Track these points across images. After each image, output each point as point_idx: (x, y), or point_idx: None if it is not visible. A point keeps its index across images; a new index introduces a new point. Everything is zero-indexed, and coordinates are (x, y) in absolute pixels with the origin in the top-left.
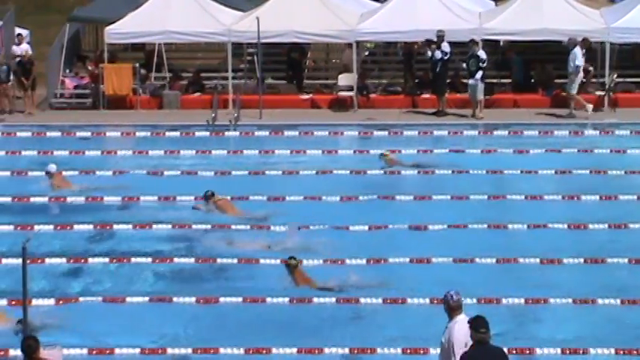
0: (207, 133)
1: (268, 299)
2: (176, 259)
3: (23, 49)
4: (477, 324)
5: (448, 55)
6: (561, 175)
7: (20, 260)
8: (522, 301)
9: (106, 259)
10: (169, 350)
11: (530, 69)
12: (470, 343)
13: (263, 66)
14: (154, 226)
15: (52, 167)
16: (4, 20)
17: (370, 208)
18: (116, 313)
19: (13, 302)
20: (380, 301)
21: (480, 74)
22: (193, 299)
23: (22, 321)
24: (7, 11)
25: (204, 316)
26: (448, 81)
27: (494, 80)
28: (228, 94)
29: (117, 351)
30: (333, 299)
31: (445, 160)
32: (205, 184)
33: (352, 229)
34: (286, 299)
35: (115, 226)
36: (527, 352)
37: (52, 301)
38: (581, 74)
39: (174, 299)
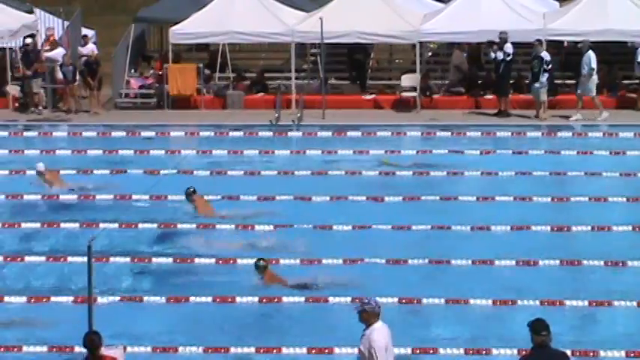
0: (270, 133)
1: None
2: (239, 261)
3: (89, 49)
4: (538, 327)
5: (510, 56)
6: (626, 177)
7: (85, 258)
8: (586, 303)
9: (170, 259)
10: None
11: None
12: (390, 347)
13: (326, 66)
14: (217, 226)
15: (41, 166)
16: (71, 21)
17: (432, 208)
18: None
19: (79, 300)
20: (442, 301)
21: (545, 76)
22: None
23: None
24: (74, 12)
25: None
26: (512, 82)
27: (559, 81)
28: (291, 94)
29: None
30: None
31: (508, 161)
32: (268, 184)
33: (414, 229)
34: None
35: (179, 225)
36: (592, 354)
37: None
38: (595, 77)
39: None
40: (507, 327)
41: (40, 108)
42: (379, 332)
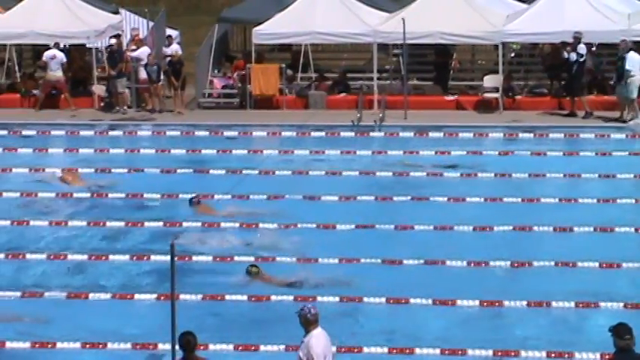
0: (352, 134)
1: None
2: (320, 260)
3: (173, 49)
4: (621, 331)
5: (583, 57)
6: None
7: (169, 257)
8: None
9: (253, 258)
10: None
11: None
12: (329, 355)
13: (408, 67)
14: (299, 225)
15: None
16: (155, 21)
17: (514, 209)
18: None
19: (162, 297)
20: (524, 304)
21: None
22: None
23: None
24: (159, 13)
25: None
26: (595, 83)
27: None
28: (373, 95)
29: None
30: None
31: (591, 163)
32: (349, 184)
33: (496, 230)
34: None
35: (261, 225)
36: None
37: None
38: (635, 78)
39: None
40: (590, 330)
41: (125, 107)
42: (317, 339)
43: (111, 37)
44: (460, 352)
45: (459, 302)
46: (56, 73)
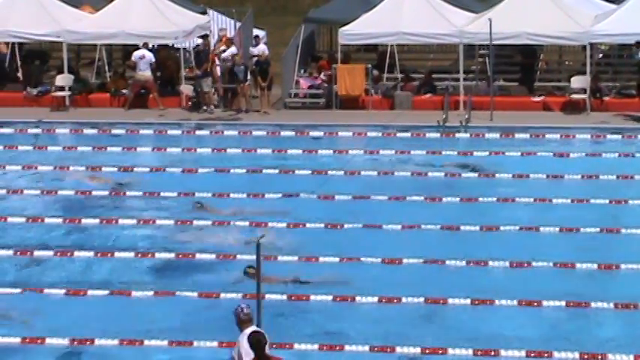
0: (438, 134)
1: None
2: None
3: (260, 49)
4: None
5: None
6: None
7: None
8: None
9: (337, 259)
10: None
11: None
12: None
13: (494, 67)
14: (384, 227)
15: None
16: (243, 21)
17: (601, 211)
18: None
19: (247, 296)
20: (612, 305)
21: None
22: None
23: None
24: (246, 13)
25: None
26: None
27: None
28: (459, 96)
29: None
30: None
31: None
32: (433, 185)
33: (583, 232)
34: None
35: (346, 225)
36: None
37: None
38: None
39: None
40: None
41: (212, 107)
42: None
43: (198, 37)
44: (546, 355)
45: (544, 303)
46: (145, 73)
